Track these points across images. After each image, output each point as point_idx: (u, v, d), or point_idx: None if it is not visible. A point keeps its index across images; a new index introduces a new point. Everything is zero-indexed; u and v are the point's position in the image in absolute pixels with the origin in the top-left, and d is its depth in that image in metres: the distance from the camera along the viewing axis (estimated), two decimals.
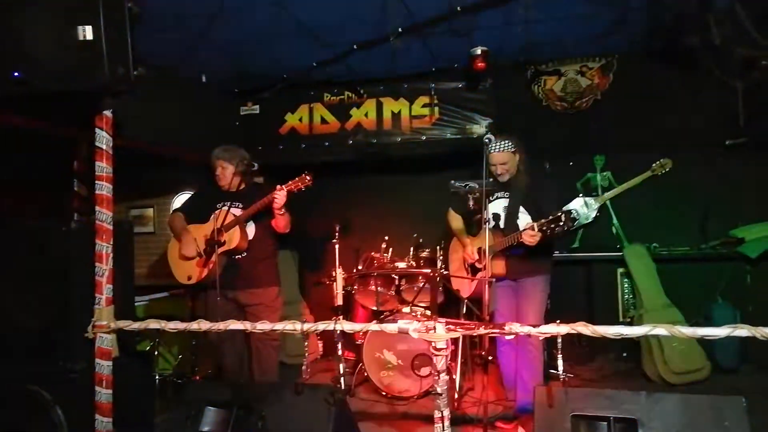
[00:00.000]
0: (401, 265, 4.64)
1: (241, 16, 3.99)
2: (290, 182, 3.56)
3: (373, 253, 4.90)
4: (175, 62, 4.58)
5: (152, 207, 6.25)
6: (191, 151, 5.06)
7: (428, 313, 4.23)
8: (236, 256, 3.78)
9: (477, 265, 3.67)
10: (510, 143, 3.54)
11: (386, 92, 5.42)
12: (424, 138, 5.32)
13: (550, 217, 3.08)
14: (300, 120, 5.60)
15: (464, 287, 3.83)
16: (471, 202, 3.54)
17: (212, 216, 3.76)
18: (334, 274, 4.51)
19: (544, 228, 3.12)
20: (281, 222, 3.75)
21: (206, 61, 4.78)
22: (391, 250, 4.89)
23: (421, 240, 4.90)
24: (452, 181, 3.52)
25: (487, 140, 3.26)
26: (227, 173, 3.83)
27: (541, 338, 3.52)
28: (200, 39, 4.24)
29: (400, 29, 4.22)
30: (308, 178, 3.52)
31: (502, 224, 3.58)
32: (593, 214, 5.21)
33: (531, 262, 3.54)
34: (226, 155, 3.85)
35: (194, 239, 3.74)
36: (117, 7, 2.33)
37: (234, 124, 5.61)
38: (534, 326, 2.27)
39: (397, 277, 4.58)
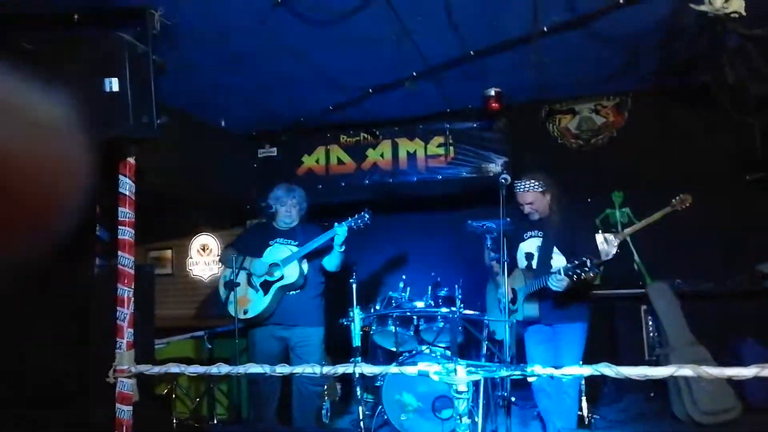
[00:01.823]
0: (420, 304, 4.54)
1: (260, 62, 4.06)
2: (350, 219, 3.65)
3: (390, 293, 4.79)
4: (196, 107, 4.65)
5: (170, 249, 6.28)
6: (210, 194, 5.15)
7: (448, 354, 4.16)
8: (291, 292, 3.81)
9: (511, 305, 3.58)
10: (536, 183, 3.45)
11: (402, 133, 5.44)
12: (440, 177, 5.31)
13: (575, 262, 2.97)
14: (317, 161, 5.61)
15: (500, 327, 3.71)
16: (489, 243, 3.53)
17: (266, 251, 3.80)
18: (351, 315, 4.37)
19: (570, 273, 3.00)
20: (336, 260, 3.79)
21: (225, 105, 4.85)
22: (409, 289, 4.78)
23: (439, 279, 4.80)
24: (469, 222, 3.54)
25: (503, 180, 3.20)
26: (293, 212, 3.91)
27: (576, 385, 3.45)
28: (220, 84, 4.31)
29: (414, 73, 4.27)
30: (367, 216, 3.60)
31: (534, 265, 3.47)
32: (614, 250, 5.02)
33: (567, 308, 3.41)
34: (293, 196, 3.94)
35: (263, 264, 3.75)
36: (142, 60, 2.41)
37: (252, 166, 5.66)
38: (564, 373, 2.20)
39: (415, 317, 4.49)
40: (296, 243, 3.87)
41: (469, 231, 3.61)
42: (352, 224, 3.65)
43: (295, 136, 5.59)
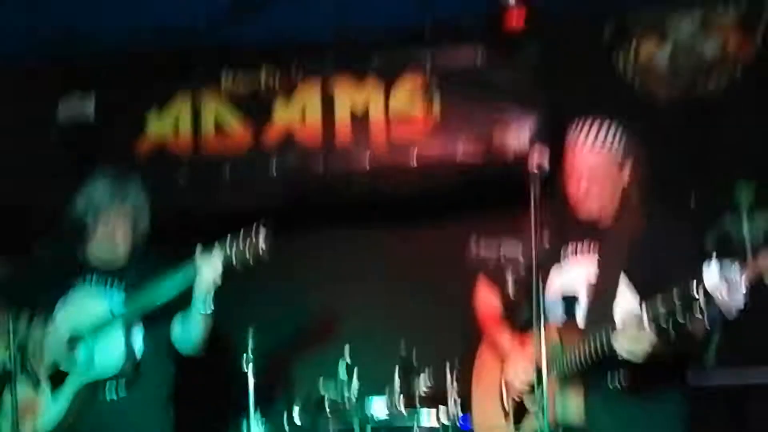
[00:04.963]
0: (378, 406, 3.61)
1: None
2: (227, 241, 2.71)
3: (322, 385, 3.67)
4: None
5: None
6: None
7: None
8: (108, 393, 3.01)
9: (523, 400, 2.65)
10: (614, 134, 2.39)
11: (340, 69, 3.91)
12: (413, 163, 3.91)
13: (678, 295, 1.98)
14: (175, 127, 3.96)
15: None
16: (510, 285, 2.55)
17: (64, 306, 2.98)
18: (244, 429, 3.47)
19: (660, 319, 2.01)
20: (194, 329, 2.93)
21: None
22: (356, 374, 3.65)
23: (415, 359, 3.63)
24: (472, 244, 2.66)
25: (536, 169, 2.24)
26: (120, 233, 2.93)
27: None
28: None
29: None
30: (262, 235, 2.60)
31: (580, 313, 2.56)
32: (740, 296, 3.75)
33: (644, 404, 2.41)
34: (122, 199, 2.90)
35: None
36: None
37: (42, 134, 3.90)
38: None
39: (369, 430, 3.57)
40: (123, 292, 3.04)
41: (473, 263, 2.68)
42: (231, 254, 2.58)
43: (130, 76, 3.96)
